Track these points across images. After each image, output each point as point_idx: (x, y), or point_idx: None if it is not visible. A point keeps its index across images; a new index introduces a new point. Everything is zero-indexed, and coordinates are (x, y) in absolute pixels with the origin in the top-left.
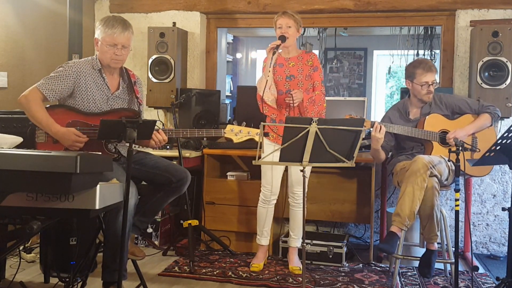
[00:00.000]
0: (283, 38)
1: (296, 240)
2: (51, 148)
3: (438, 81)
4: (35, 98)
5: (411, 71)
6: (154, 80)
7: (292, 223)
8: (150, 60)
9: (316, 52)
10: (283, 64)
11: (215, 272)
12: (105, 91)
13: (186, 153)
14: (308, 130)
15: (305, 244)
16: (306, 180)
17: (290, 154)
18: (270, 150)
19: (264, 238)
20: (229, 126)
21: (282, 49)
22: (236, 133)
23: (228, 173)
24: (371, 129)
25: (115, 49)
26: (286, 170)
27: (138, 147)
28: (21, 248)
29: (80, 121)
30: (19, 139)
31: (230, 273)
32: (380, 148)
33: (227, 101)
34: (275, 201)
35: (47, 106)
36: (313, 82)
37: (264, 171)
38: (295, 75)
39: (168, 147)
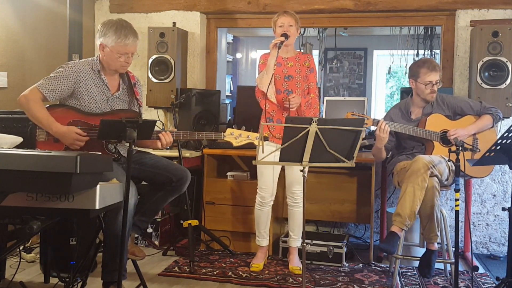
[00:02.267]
0: (285, 36)
1: (296, 240)
2: (52, 146)
3: (440, 80)
4: (35, 97)
5: (415, 70)
6: (154, 80)
7: (292, 223)
8: (150, 60)
9: (316, 52)
10: (281, 63)
11: (215, 272)
12: (105, 92)
13: (186, 153)
14: (308, 130)
15: (305, 244)
16: (302, 179)
17: (290, 154)
18: (270, 151)
19: (264, 239)
20: (229, 130)
21: (282, 48)
22: (236, 136)
23: (228, 173)
24: (372, 127)
25: (125, 57)
26: (282, 170)
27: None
28: (21, 248)
29: (80, 121)
30: (19, 139)
31: (230, 273)
32: (383, 147)
33: (227, 101)
34: (272, 202)
35: (48, 105)
36: (308, 84)
37: (262, 173)
38: (294, 76)
39: (168, 147)
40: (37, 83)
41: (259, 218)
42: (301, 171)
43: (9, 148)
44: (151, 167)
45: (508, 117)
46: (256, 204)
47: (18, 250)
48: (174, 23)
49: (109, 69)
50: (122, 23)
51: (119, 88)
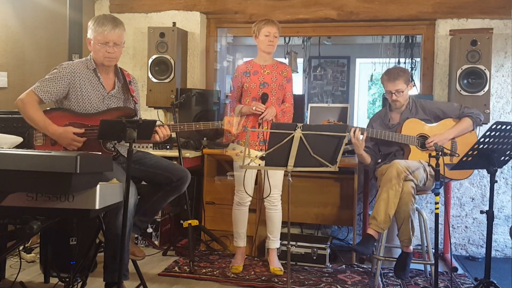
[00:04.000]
0: (266, 97)
1: (275, 242)
2: (50, 149)
3: (404, 89)
4: (31, 100)
5: (381, 79)
6: (154, 80)
7: (270, 226)
8: (150, 60)
9: (300, 60)
10: (258, 71)
11: (215, 272)
12: (100, 90)
13: (186, 153)
14: (293, 136)
15: (289, 246)
16: (280, 183)
17: (275, 159)
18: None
19: (242, 240)
20: (231, 145)
21: (260, 56)
22: (237, 153)
23: (228, 173)
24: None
25: (107, 47)
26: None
27: (139, 146)
28: (21, 248)
29: (77, 123)
30: (19, 139)
31: (230, 273)
32: (362, 152)
33: (227, 101)
34: (250, 203)
35: (44, 110)
36: (285, 93)
37: (240, 176)
38: (269, 83)
39: (168, 147)
40: (33, 86)
41: (237, 218)
42: (286, 175)
43: (9, 148)
44: (151, 167)
45: (486, 123)
46: (234, 205)
47: (18, 250)
48: (174, 23)
49: (98, 64)
50: (104, 15)
51: (114, 87)
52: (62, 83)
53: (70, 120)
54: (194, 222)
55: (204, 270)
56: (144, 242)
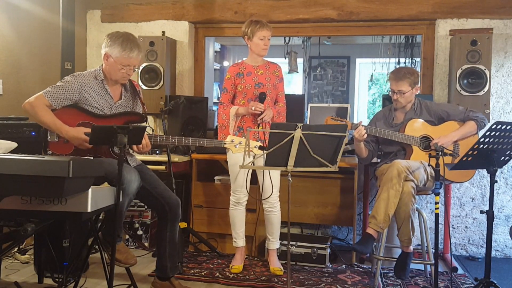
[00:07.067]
0: (264, 96)
1: (275, 243)
2: (63, 147)
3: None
4: (40, 104)
5: (388, 75)
6: (144, 87)
7: (270, 227)
8: (140, 68)
9: (300, 60)
10: (251, 72)
11: (203, 273)
12: (108, 100)
13: (175, 158)
14: (293, 136)
15: (289, 246)
16: (278, 182)
17: (275, 159)
18: (251, 156)
19: (241, 240)
20: (229, 137)
21: (251, 57)
22: (236, 144)
23: (216, 177)
24: (353, 131)
25: (128, 69)
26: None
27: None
28: (15, 249)
29: (90, 123)
30: (14, 144)
31: (217, 274)
32: (361, 144)
33: (215, 108)
34: (246, 202)
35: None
36: (278, 93)
37: (235, 176)
38: (263, 83)
39: (157, 152)
40: (44, 90)
41: (235, 218)
42: (286, 175)
43: (4, 153)
44: (149, 184)
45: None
46: (231, 205)
47: (13, 251)
48: (163, 32)
49: (110, 79)
50: (129, 36)
51: (121, 97)
52: (72, 92)
53: (84, 119)
54: (183, 225)
55: (192, 271)
56: (134, 243)
